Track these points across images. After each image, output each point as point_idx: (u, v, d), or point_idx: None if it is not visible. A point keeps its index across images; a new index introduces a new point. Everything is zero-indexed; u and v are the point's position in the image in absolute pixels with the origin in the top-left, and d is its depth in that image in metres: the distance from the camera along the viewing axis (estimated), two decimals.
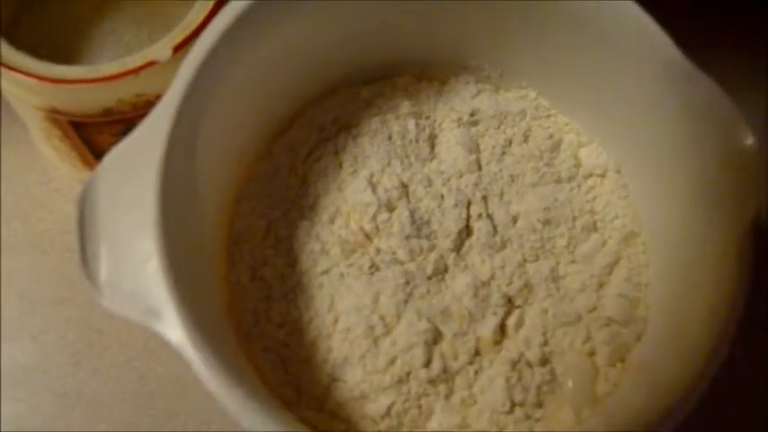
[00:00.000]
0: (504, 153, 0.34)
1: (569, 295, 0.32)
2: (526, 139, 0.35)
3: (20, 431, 0.37)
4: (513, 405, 0.30)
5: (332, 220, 0.32)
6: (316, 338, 0.31)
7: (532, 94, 0.36)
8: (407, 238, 0.32)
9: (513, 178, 0.34)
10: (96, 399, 0.37)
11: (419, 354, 0.30)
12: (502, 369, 0.30)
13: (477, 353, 0.31)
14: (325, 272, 0.32)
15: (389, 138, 0.34)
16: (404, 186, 0.33)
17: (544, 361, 0.31)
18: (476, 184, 0.33)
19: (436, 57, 0.36)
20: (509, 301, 0.32)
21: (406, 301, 0.31)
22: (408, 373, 0.30)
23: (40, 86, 0.33)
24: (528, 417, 0.30)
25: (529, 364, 0.31)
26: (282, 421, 0.25)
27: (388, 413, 0.29)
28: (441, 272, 0.32)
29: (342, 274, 0.31)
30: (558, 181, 0.34)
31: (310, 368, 0.30)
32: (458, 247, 0.32)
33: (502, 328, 0.31)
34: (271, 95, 0.33)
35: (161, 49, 0.33)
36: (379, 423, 0.30)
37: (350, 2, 0.32)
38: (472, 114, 0.35)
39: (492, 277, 0.32)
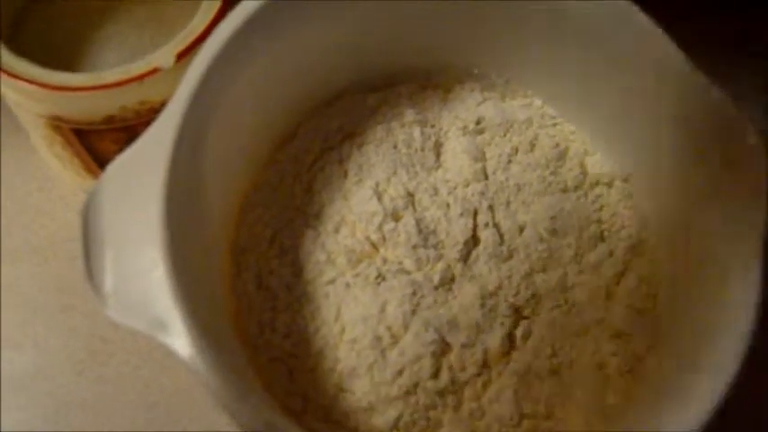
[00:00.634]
0: (510, 162, 0.34)
1: (577, 306, 0.32)
2: (532, 147, 0.35)
3: None
4: (523, 416, 0.30)
5: (337, 230, 0.32)
6: (322, 349, 0.30)
7: (538, 102, 0.36)
8: (414, 247, 0.31)
9: (519, 187, 0.34)
10: (99, 407, 0.37)
11: (427, 365, 0.30)
12: (510, 381, 0.30)
13: (485, 364, 0.30)
14: (331, 281, 0.31)
15: (395, 146, 0.34)
16: (410, 195, 0.33)
17: (553, 372, 0.31)
18: (482, 193, 0.33)
19: (441, 64, 0.36)
20: (516, 311, 0.31)
21: (413, 312, 0.31)
22: (416, 385, 0.30)
23: (41, 94, 0.33)
24: (537, 428, 0.30)
25: (538, 376, 0.30)
26: None
27: (395, 425, 0.29)
28: (447, 281, 0.31)
29: (348, 284, 0.31)
30: (565, 190, 0.34)
31: (317, 378, 0.30)
32: (464, 257, 0.32)
33: (510, 339, 0.31)
34: (276, 103, 0.33)
35: (164, 56, 0.33)
36: None
37: (359, 5, 0.31)
38: (478, 122, 0.35)
39: (499, 287, 0.31)
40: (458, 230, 0.32)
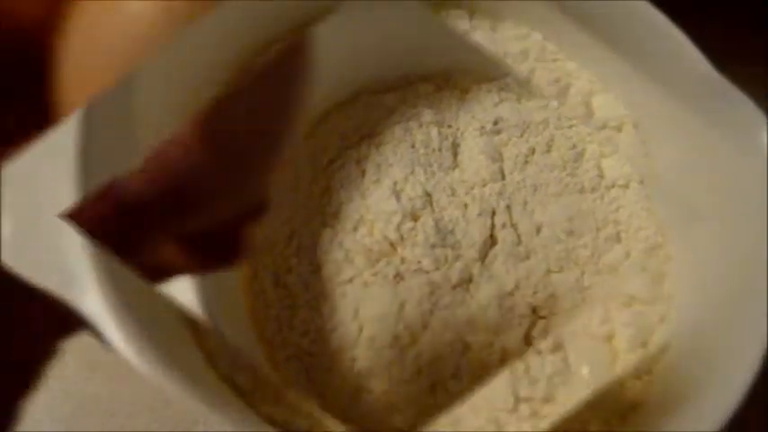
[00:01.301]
0: (527, 162, 0.34)
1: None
2: (549, 148, 0.35)
3: None
4: (518, 401, 0.29)
5: (355, 228, 0.32)
6: (340, 347, 0.30)
7: (554, 103, 0.36)
8: (432, 247, 0.32)
9: (536, 187, 0.34)
10: (113, 406, 0.37)
11: (447, 365, 0.30)
12: None
13: (502, 363, 0.30)
14: (349, 280, 0.31)
15: (412, 146, 0.34)
16: (428, 195, 0.33)
17: (556, 347, 0.30)
18: (500, 194, 0.33)
19: (458, 66, 0.36)
20: (534, 311, 0.31)
21: (431, 311, 0.31)
22: (435, 385, 0.30)
23: None
24: (535, 413, 0.29)
25: (538, 352, 0.30)
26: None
27: (415, 424, 0.29)
28: (465, 281, 0.31)
29: (366, 283, 0.31)
30: (582, 191, 0.34)
31: (334, 377, 0.30)
32: (482, 257, 0.32)
33: (526, 339, 0.31)
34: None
35: None
36: None
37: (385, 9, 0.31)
38: (495, 123, 0.35)
39: (517, 287, 0.31)
40: (476, 230, 0.32)
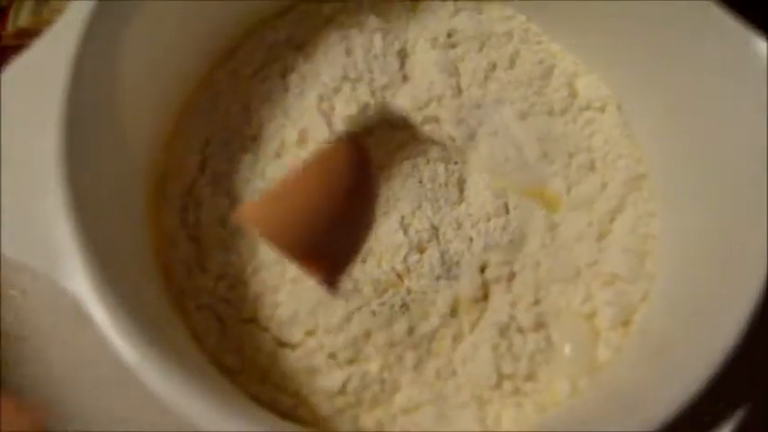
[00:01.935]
0: (486, 78, 0.29)
1: (566, 245, 0.27)
2: (512, 64, 0.30)
3: None
4: (502, 378, 0.25)
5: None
6: (261, 293, 0.26)
7: (521, 17, 0.31)
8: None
9: (498, 104, 0.29)
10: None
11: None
12: (488, 335, 0.26)
13: (453, 314, 0.26)
14: None
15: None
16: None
17: (538, 325, 0.26)
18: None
19: None
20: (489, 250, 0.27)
21: None
22: (367, 335, 0.25)
23: None
24: (517, 391, 0.25)
25: (520, 330, 0.26)
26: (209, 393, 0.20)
27: (343, 389, 0.25)
28: None
29: None
30: (551, 113, 0.29)
31: (252, 330, 0.25)
32: None
33: (484, 286, 0.26)
34: (216, 11, 0.28)
35: None
36: (335, 400, 0.25)
37: None
38: (449, 35, 0.30)
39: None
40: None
